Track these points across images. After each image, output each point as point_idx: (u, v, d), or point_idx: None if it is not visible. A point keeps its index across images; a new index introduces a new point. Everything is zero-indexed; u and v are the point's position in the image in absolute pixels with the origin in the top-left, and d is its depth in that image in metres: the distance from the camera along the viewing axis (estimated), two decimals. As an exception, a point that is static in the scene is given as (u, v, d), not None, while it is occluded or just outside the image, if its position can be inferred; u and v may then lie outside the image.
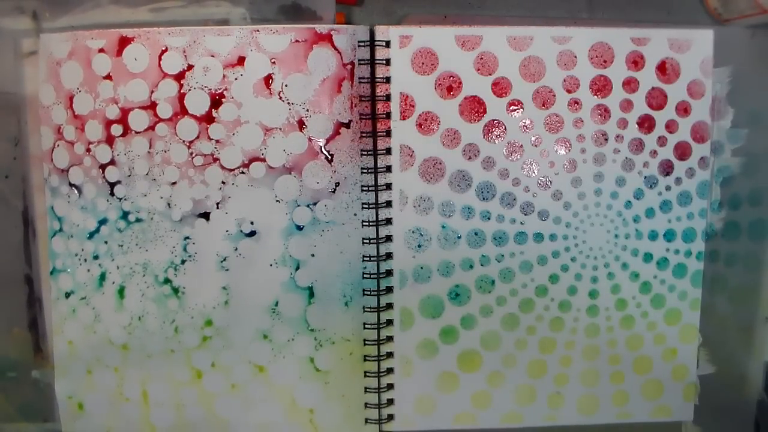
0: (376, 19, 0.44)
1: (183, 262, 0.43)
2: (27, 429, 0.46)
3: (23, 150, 0.44)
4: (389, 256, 0.44)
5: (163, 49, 0.41)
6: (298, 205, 0.42)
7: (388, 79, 0.43)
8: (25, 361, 0.45)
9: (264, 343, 0.44)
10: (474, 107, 0.43)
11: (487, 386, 0.45)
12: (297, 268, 0.43)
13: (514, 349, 0.45)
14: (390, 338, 0.45)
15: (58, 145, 0.43)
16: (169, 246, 0.43)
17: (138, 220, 0.43)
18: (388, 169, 0.43)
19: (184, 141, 0.42)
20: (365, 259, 0.44)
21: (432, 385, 0.45)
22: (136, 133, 0.42)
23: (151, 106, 0.42)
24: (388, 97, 0.43)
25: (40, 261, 0.45)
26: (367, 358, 0.45)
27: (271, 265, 0.43)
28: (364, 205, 0.43)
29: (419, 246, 0.44)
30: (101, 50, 0.42)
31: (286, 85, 0.41)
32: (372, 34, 0.42)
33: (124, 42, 0.42)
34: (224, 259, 0.43)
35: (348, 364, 0.44)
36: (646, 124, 0.44)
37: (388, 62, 0.42)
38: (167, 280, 0.43)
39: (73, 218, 0.43)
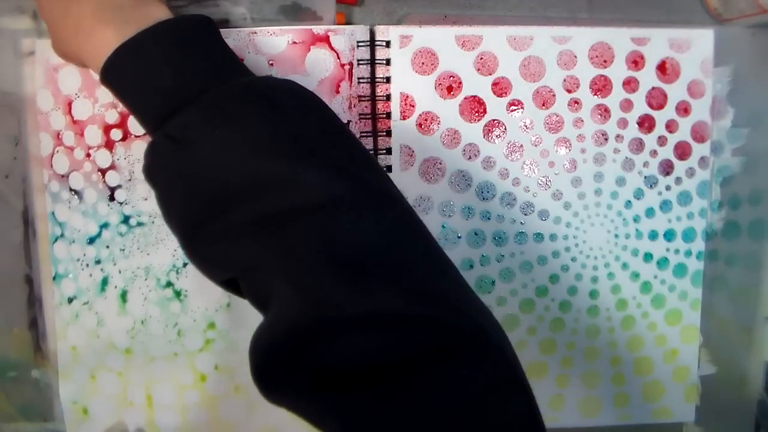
0: (376, 19, 0.44)
1: (185, 265, 0.43)
2: (27, 429, 0.46)
3: (23, 150, 0.44)
4: (390, 257, 0.44)
5: (162, 51, 0.41)
6: (299, 208, 0.42)
7: (388, 79, 0.42)
8: (25, 361, 0.45)
9: (266, 344, 0.44)
10: (474, 107, 0.43)
11: (487, 385, 0.46)
12: (298, 270, 0.43)
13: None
14: (391, 338, 0.45)
15: (57, 151, 0.43)
16: (171, 249, 0.43)
17: (139, 224, 0.43)
18: (388, 169, 0.43)
19: (184, 144, 0.42)
20: (366, 260, 0.44)
21: (433, 385, 0.45)
22: (136, 137, 0.42)
23: (151, 109, 0.41)
24: (388, 97, 0.43)
25: (40, 261, 0.45)
26: (368, 358, 0.45)
27: (272, 267, 0.43)
28: (365, 207, 0.43)
29: (420, 247, 0.44)
30: (99, 53, 0.41)
31: (285, 88, 0.41)
32: (372, 34, 0.42)
33: (122, 45, 0.41)
34: (226, 262, 0.43)
35: (350, 365, 0.44)
36: (646, 123, 0.44)
37: (388, 62, 0.42)
38: (169, 284, 0.43)
39: (74, 223, 0.43)
